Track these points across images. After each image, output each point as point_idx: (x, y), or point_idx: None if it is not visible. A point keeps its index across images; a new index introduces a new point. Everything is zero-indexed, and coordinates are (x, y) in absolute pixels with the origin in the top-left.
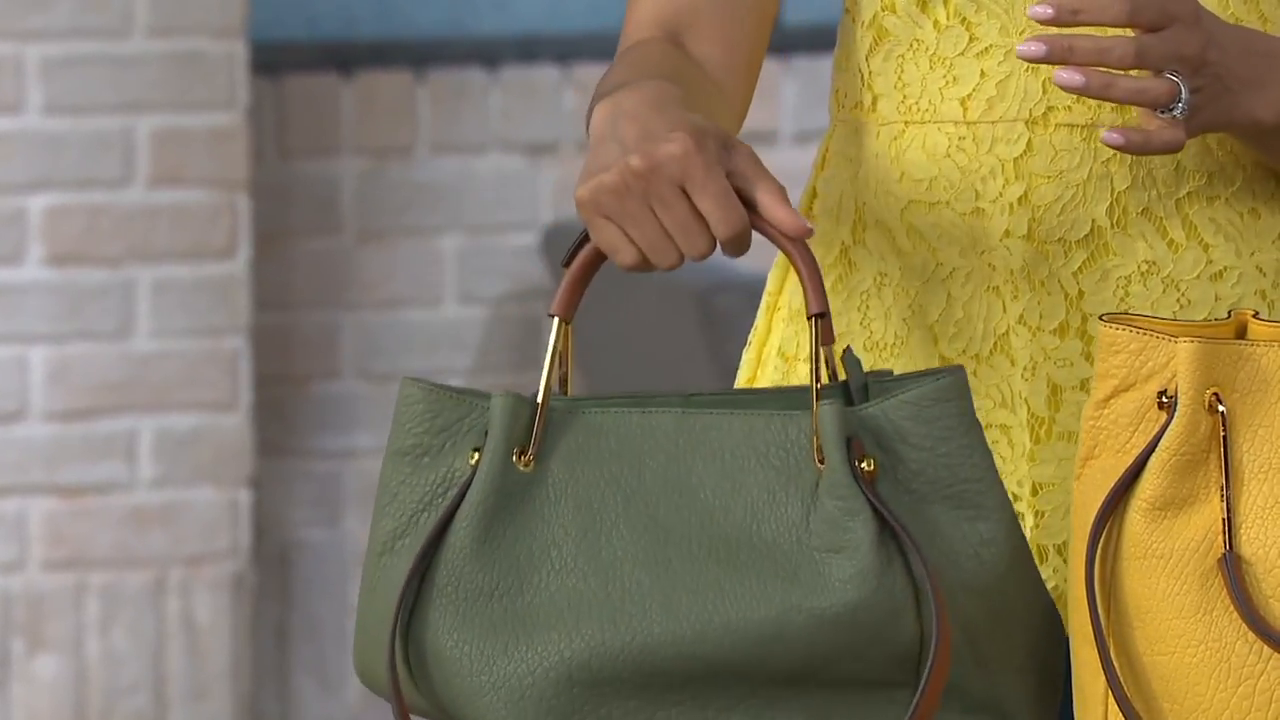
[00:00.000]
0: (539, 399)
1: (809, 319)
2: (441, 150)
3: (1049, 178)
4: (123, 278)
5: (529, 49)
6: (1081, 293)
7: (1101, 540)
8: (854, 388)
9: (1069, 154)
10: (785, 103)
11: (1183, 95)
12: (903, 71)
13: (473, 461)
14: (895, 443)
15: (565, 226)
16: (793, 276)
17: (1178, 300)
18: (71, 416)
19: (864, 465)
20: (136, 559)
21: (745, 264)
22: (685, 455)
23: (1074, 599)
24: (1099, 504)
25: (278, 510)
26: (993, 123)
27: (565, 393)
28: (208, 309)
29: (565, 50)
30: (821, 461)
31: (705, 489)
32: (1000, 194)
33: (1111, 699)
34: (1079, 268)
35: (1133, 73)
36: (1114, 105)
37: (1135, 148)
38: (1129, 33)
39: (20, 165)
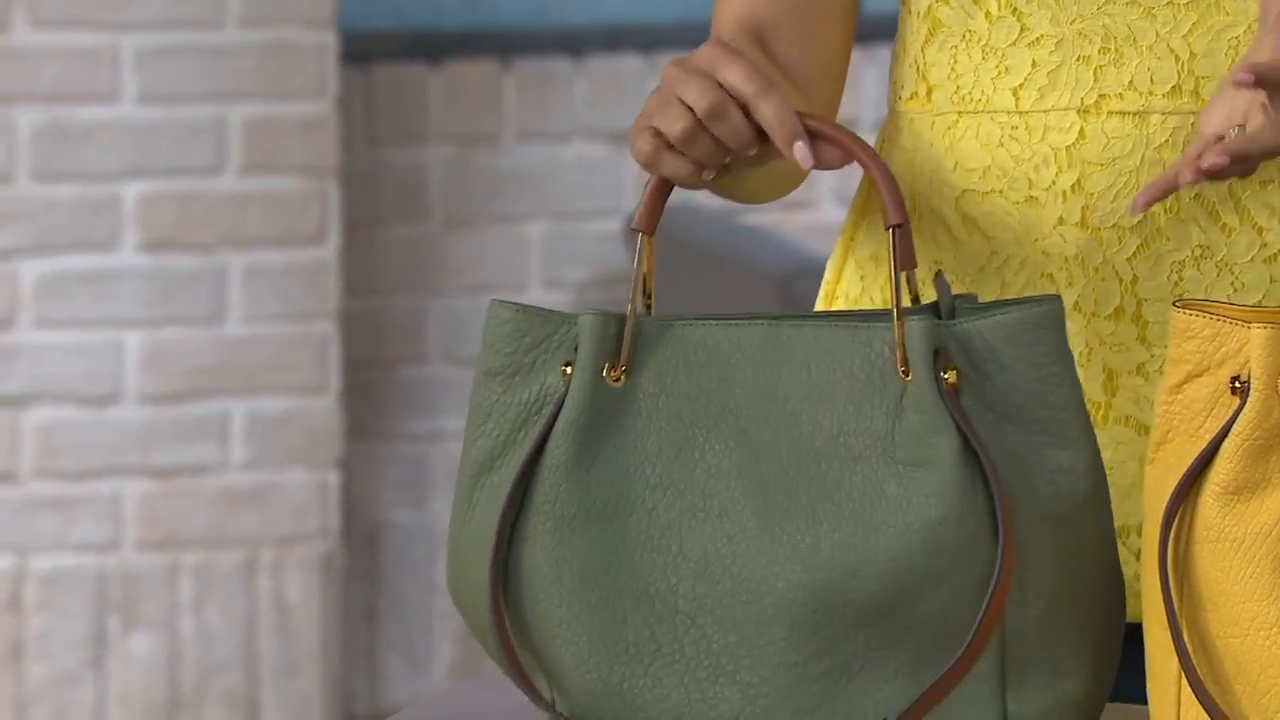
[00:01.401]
0: (627, 313)
1: (887, 229)
2: (527, 138)
3: (1102, 165)
4: (215, 264)
5: (614, 38)
6: (1135, 278)
7: (1175, 524)
8: (943, 308)
9: (1121, 141)
10: (867, 91)
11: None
12: (956, 62)
13: (565, 377)
14: (985, 361)
15: None
16: (850, 264)
17: (1231, 284)
18: (165, 400)
19: (947, 377)
20: (228, 539)
21: (825, 249)
22: (772, 367)
23: (1148, 582)
24: (1172, 488)
25: (366, 492)
26: (1045, 111)
27: (649, 313)
28: (298, 294)
29: (649, 39)
30: (906, 374)
31: (793, 400)
32: (1053, 182)
33: (1185, 681)
34: (1133, 253)
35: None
36: (1165, 93)
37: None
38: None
39: (115, 154)
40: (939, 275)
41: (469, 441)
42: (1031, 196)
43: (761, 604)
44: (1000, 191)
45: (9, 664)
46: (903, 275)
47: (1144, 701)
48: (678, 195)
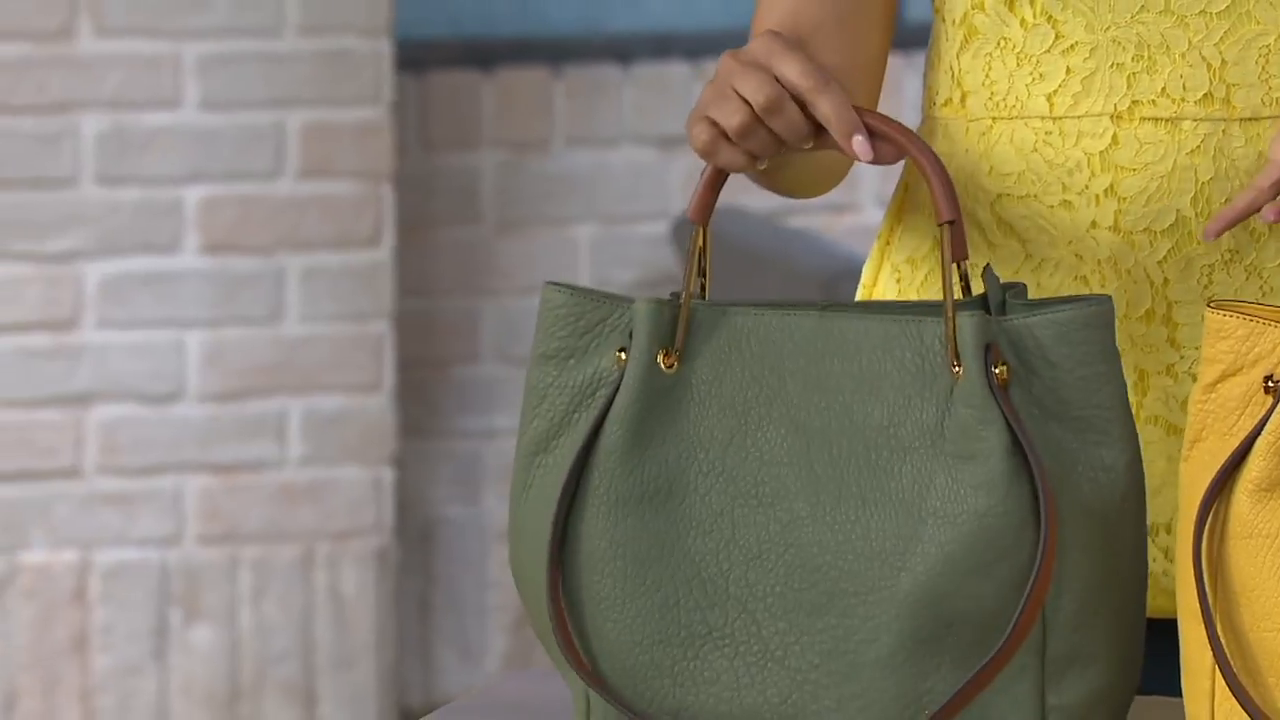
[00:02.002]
0: (681, 300)
1: (939, 225)
2: (577, 143)
3: (1134, 170)
4: (273, 265)
5: (661, 46)
6: (1166, 280)
7: (1209, 520)
8: (992, 303)
9: (1153, 147)
10: (908, 98)
11: None
12: (990, 69)
13: (619, 362)
14: (1034, 357)
15: None
16: (886, 268)
17: (1260, 287)
18: (225, 398)
19: (998, 372)
20: (286, 534)
21: (867, 252)
22: (824, 357)
23: (1182, 577)
24: (1206, 485)
25: (420, 488)
26: (1079, 118)
27: (704, 298)
28: (354, 295)
29: (696, 47)
30: (958, 368)
31: (844, 391)
32: (1087, 186)
33: (1218, 673)
34: (1164, 256)
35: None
36: (1197, 100)
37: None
38: None
39: (177, 158)
40: (988, 269)
41: (525, 423)
42: (1066, 200)
43: (813, 592)
44: (1035, 195)
45: (74, 655)
46: (953, 269)
47: (1178, 694)
48: (724, 198)
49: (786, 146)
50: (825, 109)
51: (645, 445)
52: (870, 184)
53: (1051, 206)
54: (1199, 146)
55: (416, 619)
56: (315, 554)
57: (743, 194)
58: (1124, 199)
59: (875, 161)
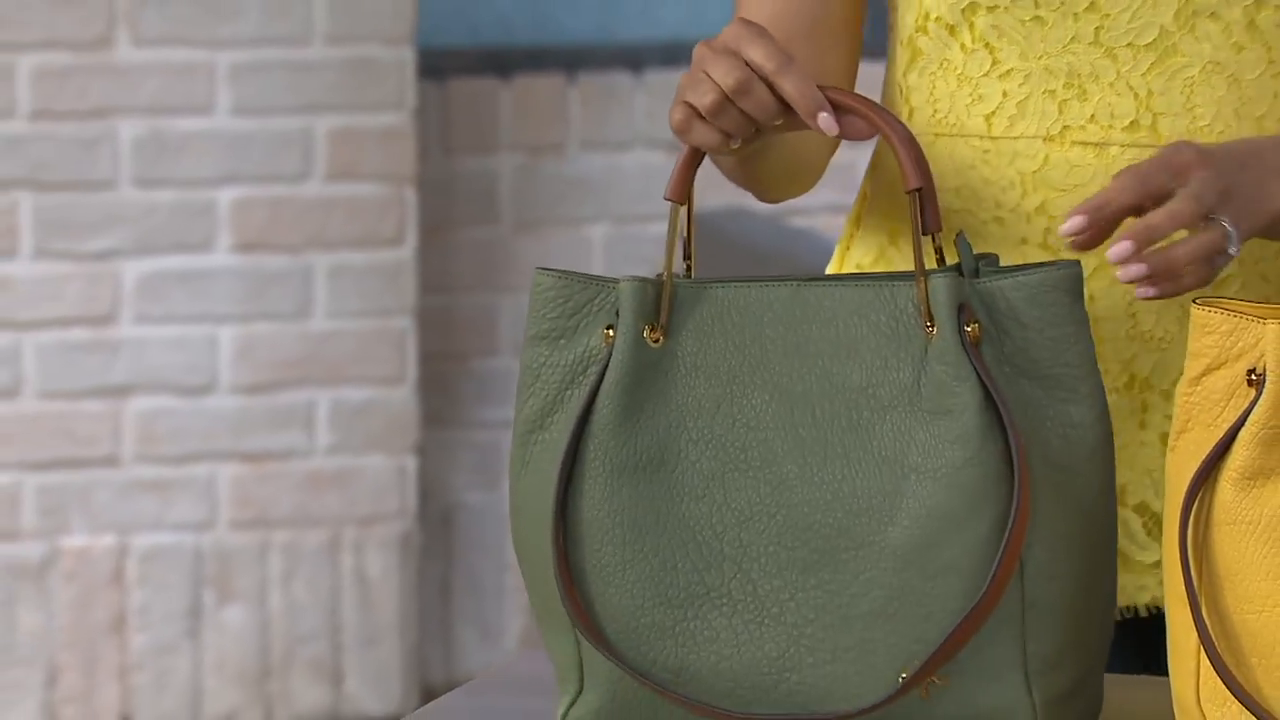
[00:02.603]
0: (663, 278)
1: (908, 193)
2: (591, 147)
3: (1064, 190)
4: (302, 264)
5: (672, 54)
6: (1092, 297)
7: (1194, 508)
8: (965, 269)
9: (1082, 169)
10: None
11: (1229, 232)
12: (934, 88)
13: (608, 339)
14: (1005, 318)
15: (701, 217)
16: (848, 268)
17: (1182, 306)
18: (256, 390)
19: (970, 330)
20: (314, 519)
21: None
22: (802, 324)
23: (1168, 562)
24: (1192, 474)
25: (441, 476)
26: (1014, 139)
27: (689, 275)
28: (378, 292)
29: None
30: (931, 327)
31: (823, 356)
32: (1018, 204)
33: (1203, 654)
34: (1090, 273)
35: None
36: (1124, 127)
37: (1170, 293)
38: None
39: (210, 161)
40: (960, 236)
41: (520, 402)
42: (998, 217)
43: (805, 549)
44: (970, 210)
45: (112, 635)
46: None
47: (1165, 674)
48: (730, 200)
49: (758, 125)
50: (788, 88)
51: (636, 417)
52: None
53: (985, 221)
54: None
55: (438, 600)
56: (342, 538)
57: (748, 197)
58: (1053, 218)
59: (846, 136)
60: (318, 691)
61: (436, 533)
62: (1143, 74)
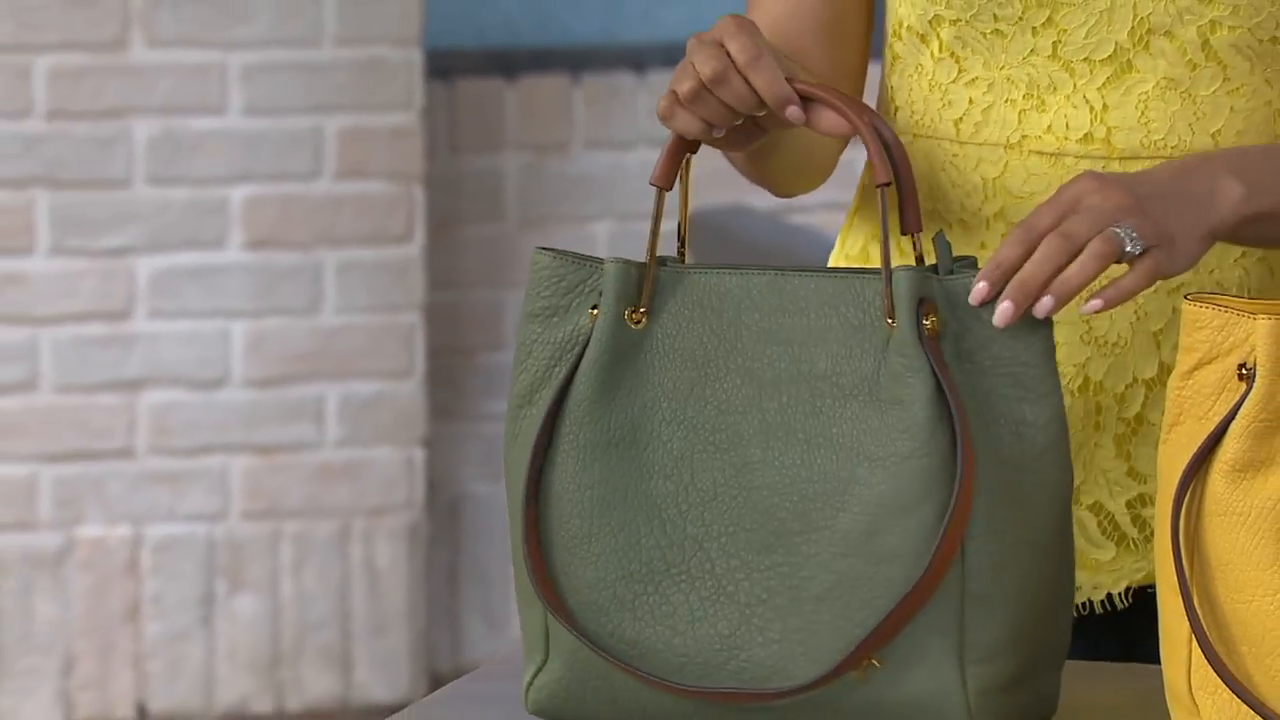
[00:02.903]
0: (646, 261)
1: (876, 187)
2: (594, 146)
3: (1021, 198)
4: (312, 260)
5: (673, 55)
6: None
7: (1186, 499)
8: (941, 270)
9: (1039, 178)
10: None
11: (1122, 234)
12: (911, 90)
13: (593, 318)
14: (967, 314)
15: (703, 214)
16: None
17: (1135, 312)
18: (267, 383)
19: (927, 324)
20: (324, 510)
21: None
22: (777, 313)
23: (1161, 552)
24: (1184, 467)
25: (449, 467)
26: (979, 145)
27: (682, 260)
28: (387, 288)
29: None
30: (892, 320)
31: (794, 343)
32: (980, 209)
33: (1195, 642)
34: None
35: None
36: (1078, 139)
37: (1114, 302)
38: None
39: (223, 160)
40: (939, 235)
41: (514, 378)
42: (962, 220)
43: (763, 531)
44: (938, 212)
45: (127, 623)
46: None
47: (1158, 662)
48: (731, 197)
49: (739, 115)
50: (757, 80)
51: (612, 395)
52: None
53: (950, 224)
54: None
55: (445, 589)
56: (351, 529)
57: (748, 194)
58: (1011, 223)
59: (824, 132)
60: (328, 678)
61: (444, 523)
62: (1099, 88)
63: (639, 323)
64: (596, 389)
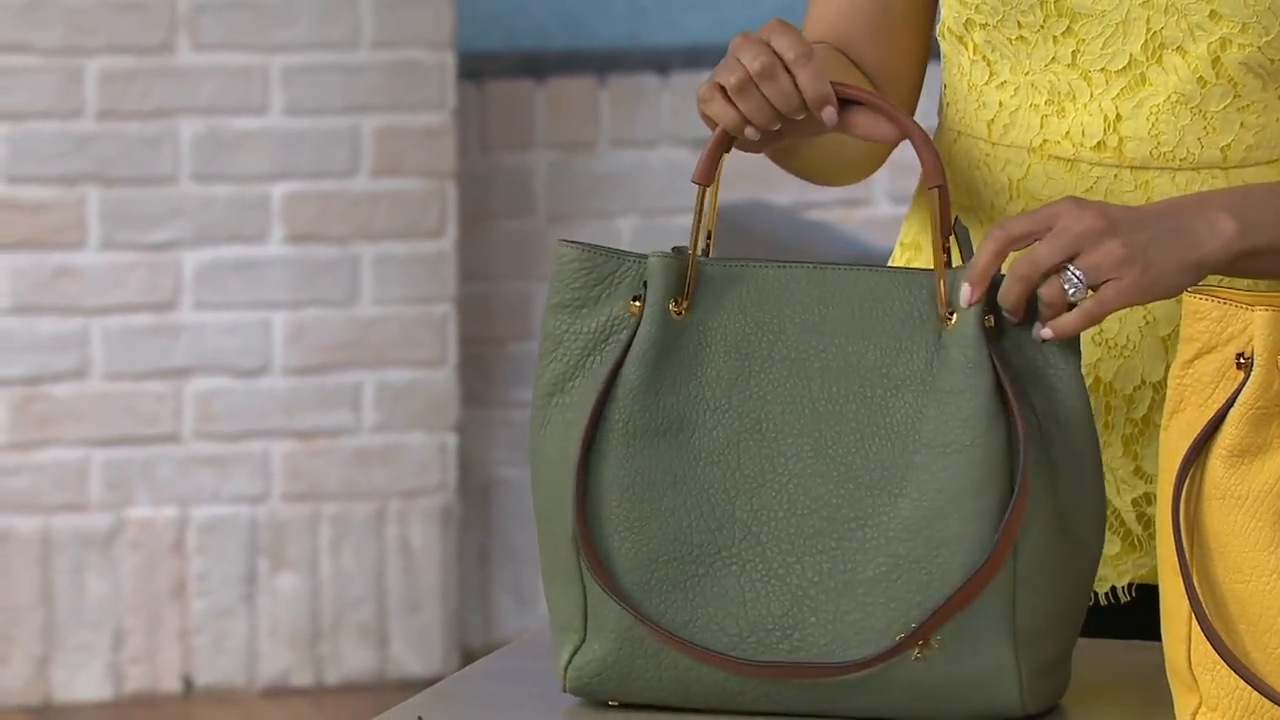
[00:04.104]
0: (689, 254)
1: (930, 189)
2: (620, 145)
3: (1040, 200)
4: (349, 254)
5: (695, 58)
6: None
7: (1186, 484)
8: (963, 253)
9: (1056, 182)
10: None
11: (1069, 274)
12: (955, 89)
13: (634, 310)
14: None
15: (722, 209)
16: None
17: (1144, 317)
18: (306, 372)
19: (987, 321)
20: (361, 493)
21: (879, 242)
22: (819, 304)
23: (1162, 535)
24: (1184, 452)
25: (480, 452)
26: (1007, 146)
27: (709, 254)
28: (421, 280)
29: None
30: (950, 316)
31: (840, 335)
32: (1005, 208)
33: (1195, 621)
34: None
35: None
36: (1093, 146)
37: (1063, 333)
38: None
39: (264, 158)
40: (956, 221)
41: (542, 367)
42: (991, 217)
43: (815, 518)
44: (971, 209)
45: (174, 600)
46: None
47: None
48: (750, 193)
49: (780, 115)
50: (802, 78)
51: (659, 384)
52: (882, 181)
53: (982, 221)
54: (1092, 187)
55: (477, 569)
56: (387, 511)
57: (767, 190)
58: None
59: (861, 136)
60: (364, 653)
61: (475, 505)
62: (1113, 98)
63: (681, 314)
64: (644, 379)
